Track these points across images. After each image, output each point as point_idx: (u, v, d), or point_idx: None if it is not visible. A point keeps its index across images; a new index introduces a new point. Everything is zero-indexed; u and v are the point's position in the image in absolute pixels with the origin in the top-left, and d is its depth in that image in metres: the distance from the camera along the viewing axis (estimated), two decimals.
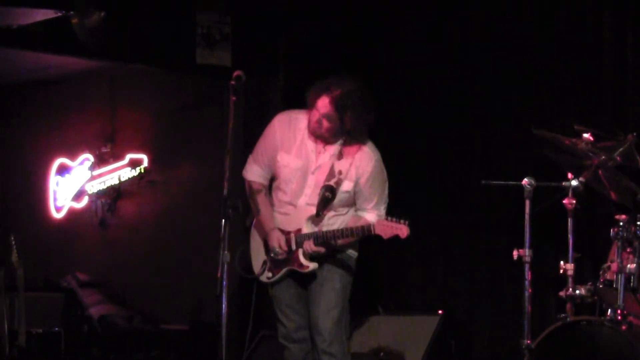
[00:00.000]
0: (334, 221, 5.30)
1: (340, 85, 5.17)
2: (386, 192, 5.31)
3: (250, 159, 5.47)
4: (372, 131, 5.36)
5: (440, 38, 7.31)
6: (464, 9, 7.20)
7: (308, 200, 5.25)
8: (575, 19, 6.65)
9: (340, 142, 5.28)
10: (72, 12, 7.21)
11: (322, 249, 5.20)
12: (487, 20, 7.08)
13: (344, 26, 7.72)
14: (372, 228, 5.07)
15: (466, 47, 7.19)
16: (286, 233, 5.28)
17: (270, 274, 5.34)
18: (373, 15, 7.62)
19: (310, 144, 5.31)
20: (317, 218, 5.22)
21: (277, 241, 5.26)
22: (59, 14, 7.27)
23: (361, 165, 5.25)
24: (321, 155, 5.29)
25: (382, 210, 5.29)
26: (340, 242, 5.22)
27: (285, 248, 5.24)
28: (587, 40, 6.59)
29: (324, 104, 5.16)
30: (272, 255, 5.28)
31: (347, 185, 5.24)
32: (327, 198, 5.20)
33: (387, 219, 5.08)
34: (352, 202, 5.28)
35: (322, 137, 5.26)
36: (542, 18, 6.81)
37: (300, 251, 5.23)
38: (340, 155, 5.26)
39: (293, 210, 5.29)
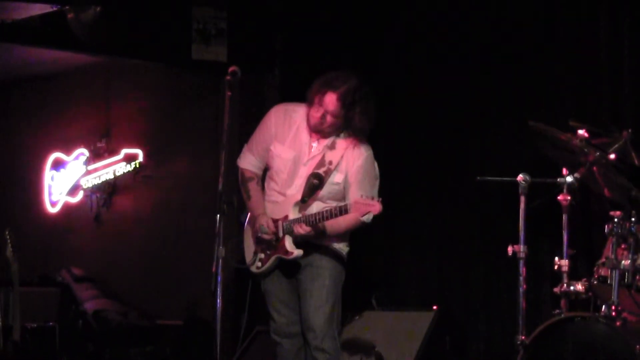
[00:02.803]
0: None
1: (346, 81, 5.15)
2: (376, 189, 5.26)
3: (245, 148, 5.48)
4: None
5: (437, 35, 7.30)
6: (461, 6, 7.20)
7: (297, 190, 5.25)
8: (572, 16, 6.65)
9: (335, 135, 5.29)
10: (67, 7, 7.21)
11: (310, 229, 5.15)
12: (484, 16, 7.08)
13: (341, 21, 7.71)
14: (348, 206, 5.02)
15: (463, 43, 7.19)
16: (274, 221, 5.28)
17: (259, 264, 5.33)
18: (370, 10, 7.62)
19: (304, 136, 5.31)
20: (303, 204, 5.21)
21: (265, 223, 5.25)
22: (55, 9, 7.27)
23: (352, 157, 5.24)
24: (314, 147, 5.30)
25: None
26: (323, 226, 5.17)
27: (272, 228, 5.23)
28: (583, 36, 6.59)
29: (331, 100, 5.14)
30: (259, 234, 5.26)
31: (337, 177, 5.23)
32: (314, 184, 5.19)
33: (361, 197, 5.04)
34: (341, 196, 5.25)
35: (322, 132, 5.27)
36: (538, 14, 6.81)
37: (286, 238, 5.23)
38: (332, 147, 5.27)
39: (282, 199, 5.29)
